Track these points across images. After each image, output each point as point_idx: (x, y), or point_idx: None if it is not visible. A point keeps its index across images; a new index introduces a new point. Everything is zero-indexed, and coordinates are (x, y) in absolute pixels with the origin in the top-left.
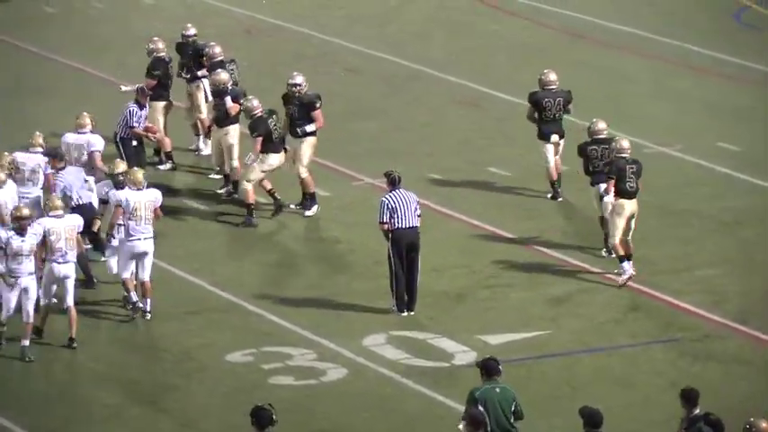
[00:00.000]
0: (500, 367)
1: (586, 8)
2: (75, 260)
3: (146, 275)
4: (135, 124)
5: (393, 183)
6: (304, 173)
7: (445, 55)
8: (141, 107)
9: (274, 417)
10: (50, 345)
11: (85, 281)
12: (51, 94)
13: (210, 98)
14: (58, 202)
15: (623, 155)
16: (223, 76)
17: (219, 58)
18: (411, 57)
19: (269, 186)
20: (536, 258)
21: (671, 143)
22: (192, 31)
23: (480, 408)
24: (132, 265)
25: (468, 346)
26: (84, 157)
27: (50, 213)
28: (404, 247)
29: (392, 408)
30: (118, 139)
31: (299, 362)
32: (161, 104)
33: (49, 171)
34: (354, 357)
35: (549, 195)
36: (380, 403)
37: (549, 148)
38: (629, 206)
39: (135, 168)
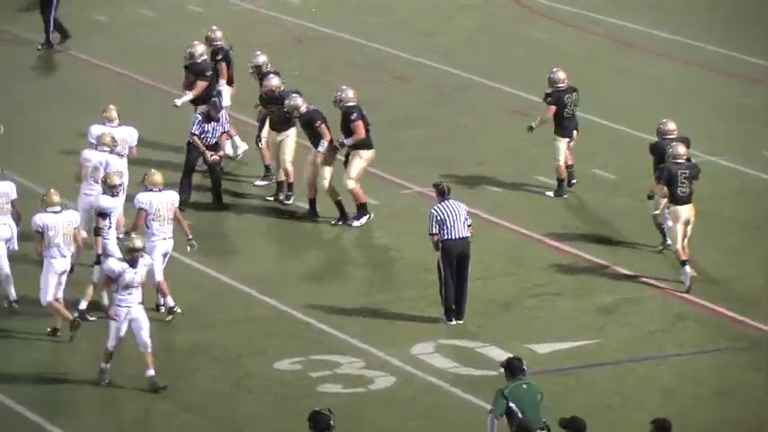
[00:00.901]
0: (524, 367)
1: (633, 16)
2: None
3: (160, 275)
4: (195, 131)
5: (442, 193)
6: (351, 185)
7: (494, 63)
8: (209, 120)
9: (332, 422)
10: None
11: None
12: (99, 101)
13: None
14: (56, 198)
15: (678, 161)
16: (274, 81)
17: (265, 68)
18: (460, 65)
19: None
20: (584, 267)
21: (717, 152)
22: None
23: (511, 405)
24: (162, 266)
25: (516, 355)
26: (125, 151)
27: (48, 209)
28: (454, 258)
29: (440, 416)
30: (186, 144)
31: (348, 370)
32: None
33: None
34: (403, 366)
35: (552, 193)
36: (428, 412)
37: (565, 144)
38: (684, 212)
39: (152, 170)
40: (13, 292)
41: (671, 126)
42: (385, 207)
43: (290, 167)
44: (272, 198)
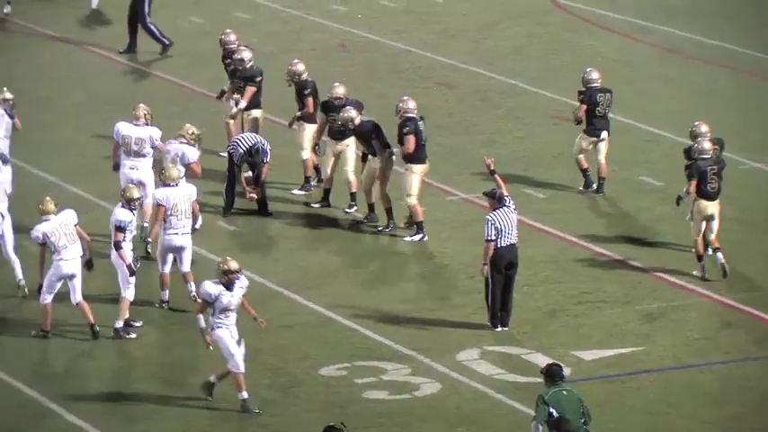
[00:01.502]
0: (563, 372)
1: (681, 23)
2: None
3: (185, 267)
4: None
5: (499, 200)
6: (411, 201)
7: (540, 70)
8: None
9: None
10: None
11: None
12: (165, 106)
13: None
14: (51, 206)
15: (705, 156)
16: (340, 90)
17: (303, 76)
18: (506, 72)
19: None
20: (630, 274)
21: (766, 159)
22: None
23: (552, 410)
24: (171, 260)
25: (563, 362)
26: (146, 150)
27: (43, 218)
28: (503, 266)
29: (485, 423)
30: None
31: (393, 376)
32: (258, 112)
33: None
34: (448, 372)
35: (582, 187)
36: (474, 418)
37: (588, 143)
38: (710, 207)
39: (169, 165)
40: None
41: (704, 129)
42: (430, 213)
43: (351, 177)
44: (318, 205)
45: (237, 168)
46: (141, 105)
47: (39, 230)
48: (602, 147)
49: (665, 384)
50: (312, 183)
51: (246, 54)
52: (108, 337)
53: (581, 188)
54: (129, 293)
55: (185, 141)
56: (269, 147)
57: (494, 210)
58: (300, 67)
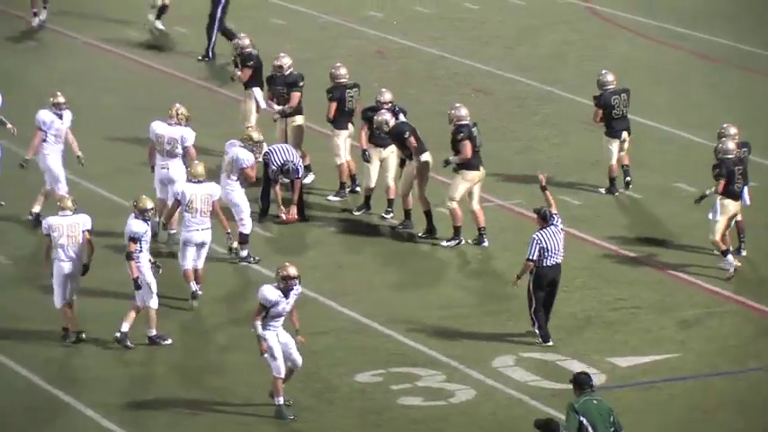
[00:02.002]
0: (592, 381)
1: (717, 30)
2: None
3: (200, 264)
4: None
5: (545, 219)
6: (452, 205)
7: (576, 77)
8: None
9: None
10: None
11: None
12: (200, 113)
13: (263, 106)
14: (68, 203)
15: (729, 156)
16: (387, 96)
17: (343, 81)
18: (542, 78)
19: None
20: (665, 280)
21: None
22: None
23: (582, 419)
24: (192, 255)
25: (598, 369)
26: (178, 150)
27: (59, 213)
28: (546, 284)
29: (521, 430)
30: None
31: (428, 383)
32: (301, 118)
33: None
34: (483, 379)
35: (604, 190)
36: (509, 425)
37: (616, 145)
38: (735, 206)
39: (196, 162)
40: None
41: (732, 130)
42: (466, 220)
43: (391, 183)
44: (359, 212)
45: (273, 180)
46: (177, 105)
47: (47, 221)
48: (624, 147)
49: (700, 391)
50: (347, 189)
51: (286, 60)
52: (142, 344)
53: (603, 190)
54: (153, 302)
55: (242, 145)
56: (301, 164)
57: (541, 228)
58: (342, 71)
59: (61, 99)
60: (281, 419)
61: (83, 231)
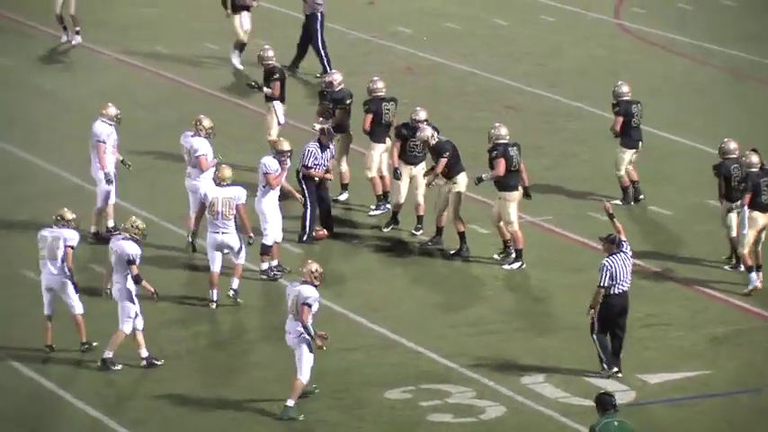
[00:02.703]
0: (615, 402)
1: (746, 46)
2: (61, 273)
3: (240, 259)
4: (311, 165)
5: (615, 245)
6: (513, 228)
7: (605, 93)
8: (323, 149)
9: None
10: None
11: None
12: (220, 131)
13: (282, 121)
14: (68, 216)
15: (754, 169)
16: (422, 114)
17: (380, 94)
18: (571, 94)
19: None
20: (696, 297)
21: None
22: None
23: None
24: (218, 259)
25: (627, 386)
26: (193, 160)
27: (58, 224)
28: (615, 313)
29: None
30: (300, 177)
31: (458, 399)
32: (342, 136)
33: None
34: (513, 395)
35: (621, 201)
36: None
37: (629, 155)
38: (763, 219)
39: (224, 165)
40: None
41: (732, 146)
42: (494, 235)
43: (421, 200)
44: (387, 229)
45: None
46: (201, 116)
47: (39, 233)
48: (633, 158)
49: (730, 408)
50: (384, 202)
51: (337, 77)
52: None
53: (619, 201)
54: (127, 327)
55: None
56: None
57: (610, 255)
58: (379, 84)
59: (113, 111)
60: (283, 419)
61: (65, 246)
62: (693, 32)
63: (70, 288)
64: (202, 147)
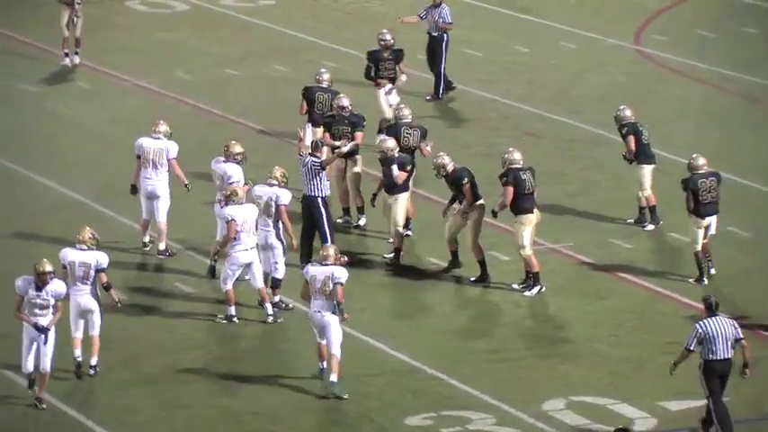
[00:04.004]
0: None
1: (764, 72)
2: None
3: (259, 283)
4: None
5: (710, 308)
6: (526, 252)
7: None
8: (323, 167)
9: None
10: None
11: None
12: (250, 154)
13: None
14: (88, 236)
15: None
16: (389, 143)
17: (405, 120)
18: (592, 121)
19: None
20: None
21: None
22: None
23: None
24: (235, 276)
25: (649, 413)
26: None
27: (77, 246)
28: (717, 378)
29: None
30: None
31: (479, 426)
32: (359, 164)
33: None
34: (534, 422)
35: (646, 224)
36: None
37: (649, 171)
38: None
39: (234, 185)
40: None
41: (701, 161)
42: (514, 263)
43: (401, 230)
44: (390, 256)
45: None
46: (232, 142)
47: (65, 254)
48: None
49: None
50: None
51: (346, 101)
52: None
53: (630, 220)
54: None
55: (276, 184)
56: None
57: (706, 317)
58: (406, 111)
59: (163, 128)
60: (336, 397)
61: (95, 270)
62: (713, 59)
63: (96, 310)
64: (235, 173)
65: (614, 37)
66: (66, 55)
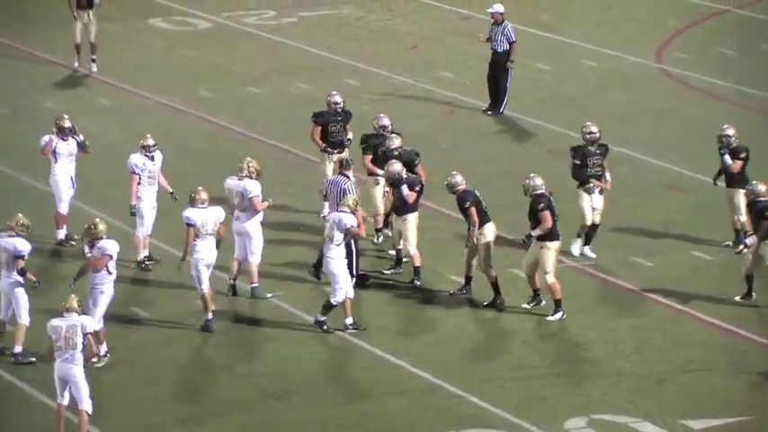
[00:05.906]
0: None
1: None
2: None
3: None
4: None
5: None
6: (550, 279)
7: (648, 138)
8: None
9: None
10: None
11: None
12: (272, 172)
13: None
14: (74, 303)
15: (761, 198)
16: (396, 167)
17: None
18: (613, 139)
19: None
20: (738, 343)
21: None
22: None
23: None
24: (206, 277)
25: (670, 431)
26: (245, 203)
27: (65, 314)
28: None
29: None
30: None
31: None
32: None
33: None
34: None
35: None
36: None
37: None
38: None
39: (200, 188)
40: None
41: (761, 188)
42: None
43: (413, 251)
44: (389, 271)
45: None
46: (249, 158)
47: (50, 323)
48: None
49: None
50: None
51: (385, 120)
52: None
53: (727, 243)
54: (25, 318)
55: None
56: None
57: None
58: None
59: (150, 141)
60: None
61: (84, 333)
62: (735, 77)
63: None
64: (255, 188)
65: (636, 55)
66: (79, 58)
